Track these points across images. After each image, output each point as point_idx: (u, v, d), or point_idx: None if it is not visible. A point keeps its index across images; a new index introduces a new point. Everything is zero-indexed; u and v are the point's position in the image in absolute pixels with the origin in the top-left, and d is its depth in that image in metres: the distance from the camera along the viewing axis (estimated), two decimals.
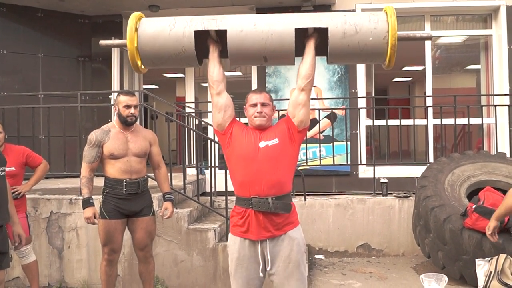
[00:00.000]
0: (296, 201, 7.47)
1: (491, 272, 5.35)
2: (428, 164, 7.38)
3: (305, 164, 8.08)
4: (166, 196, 5.14)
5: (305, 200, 7.54)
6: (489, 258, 5.47)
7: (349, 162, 8.20)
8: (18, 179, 5.45)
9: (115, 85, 8.75)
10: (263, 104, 3.65)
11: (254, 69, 8.82)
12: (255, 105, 3.66)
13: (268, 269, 3.53)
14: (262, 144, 3.56)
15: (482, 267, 5.50)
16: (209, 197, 7.09)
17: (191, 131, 8.00)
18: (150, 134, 5.16)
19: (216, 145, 7.99)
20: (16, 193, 5.32)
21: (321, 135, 8.32)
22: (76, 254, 6.30)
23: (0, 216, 3.76)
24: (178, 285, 6.13)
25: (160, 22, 3.58)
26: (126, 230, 5.06)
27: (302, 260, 3.60)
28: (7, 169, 5.04)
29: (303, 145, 8.06)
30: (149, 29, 3.55)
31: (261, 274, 3.54)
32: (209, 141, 7.74)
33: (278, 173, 3.52)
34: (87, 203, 4.74)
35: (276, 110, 8.18)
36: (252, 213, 3.49)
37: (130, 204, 4.90)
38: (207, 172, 8.13)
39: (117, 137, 4.90)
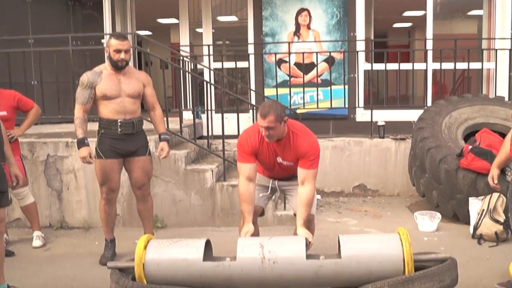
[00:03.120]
0: None
1: (483, 210, 5.46)
2: (425, 108, 7.38)
3: (302, 107, 8.06)
4: (162, 137, 5.16)
5: None
6: (482, 197, 5.58)
7: (346, 106, 8.19)
8: (11, 124, 5.42)
9: (107, 30, 8.61)
10: (268, 128, 3.97)
11: (250, 13, 8.67)
12: (262, 127, 4.00)
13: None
14: (279, 159, 4.25)
15: (475, 206, 5.62)
16: (205, 141, 7.12)
17: (187, 74, 7.94)
18: (143, 76, 5.13)
19: (213, 88, 7.98)
20: (9, 137, 5.25)
21: (319, 78, 8.27)
22: (75, 195, 6.37)
23: None
24: (177, 224, 6.23)
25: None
26: (124, 171, 5.11)
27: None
28: None
29: (300, 89, 8.08)
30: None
31: (271, 187, 4.51)
32: (205, 84, 7.70)
33: (292, 171, 4.31)
34: (82, 143, 4.77)
35: (274, 53, 8.17)
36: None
37: (125, 144, 4.93)
38: (204, 116, 8.15)
39: (109, 78, 4.86)
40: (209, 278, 3.65)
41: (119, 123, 4.86)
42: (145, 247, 3.74)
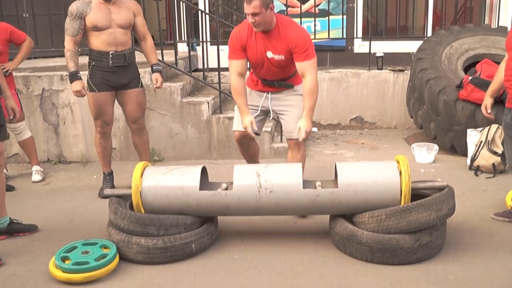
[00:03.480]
0: None
1: (481, 141, 5.46)
2: (426, 38, 7.27)
3: None
4: (154, 68, 5.08)
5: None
6: (481, 128, 5.56)
7: (344, 37, 8.06)
8: (4, 58, 5.34)
9: None
10: (254, 14, 3.97)
11: None
12: (248, 14, 4.00)
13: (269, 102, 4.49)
14: (269, 54, 4.19)
15: (473, 137, 5.61)
16: (201, 73, 7.04)
17: (181, 4, 7.74)
18: (133, 5, 4.98)
19: (208, 18, 7.83)
20: (4, 70, 5.20)
21: (317, 8, 8.11)
22: (71, 129, 6.35)
23: None
24: (174, 157, 6.25)
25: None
26: (117, 104, 5.08)
27: (301, 106, 4.29)
28: None
29: (297, 19, 7.89)
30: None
31: (261, 109, 4.50)
32: (200, 14, 7.54)
33: (283, 72, 4.31)
34: (74, 76, 4.70)
35: None
36: (260, 82, 4.45)
37: (117, 77, 4.86)
38: (199, 48, 8.02)
39: (99, 8, 4.73)
40: (206, 206, 3.70)
41: (111, 55, 4.77)
42: (142, 175, 3.77)
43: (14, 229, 4.18)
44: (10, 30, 5.41)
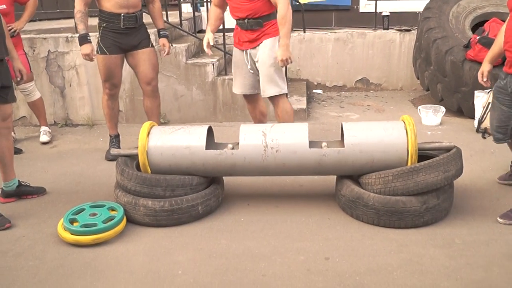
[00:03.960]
0: (295, 35, 7.38)
1: (489, 103, 5.39)
2: None
3: None
4: (161, 33, 5.05)
5: (304, 32, 7.43)
6: (488, 90, 5.49)
7: None
8: (10, 18, 5.29)
9: None
10: None
11: None
12: None
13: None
14: None
15: (481, 99, 5.55)
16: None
17: None
18: None
19: None
20: (12, 30, 5.20)
21: None
22: (77, 92, 6.33)
23: None
24: (179, 119, 6.24)
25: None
26: (125, 65, 5.04)
27: (274, 62, 4.43)
28: None
29: None
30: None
31: (251, 71, 4.65)
32: None
33: (252, 6, 4.39)
34: (84, 39, 4.66)
35: None
36: (239, 29, 4.60)
37: (128, 39, 4.82)
38: (203, 9, 7.93)
39: None
40: (212, 166, 3.71)
41: (122, 17, 4.73)
42: (148, 135, 3.78)
43: (23, 192, 4.22)
44: None
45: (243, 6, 4.41)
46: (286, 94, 4.74)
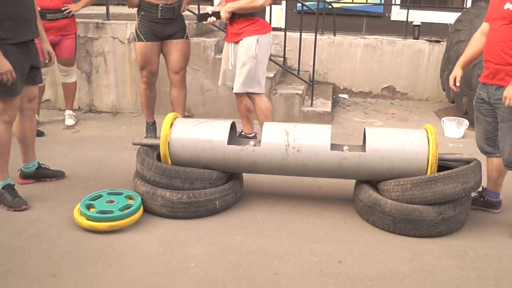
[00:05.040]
0: (325, 38, 7.38)
1: None
2: (464, 9, 7.10)
3: (337, 1, 7.81)
4: None
5: (334, 35, 7.42)
6: None
7: (382, 2, 7.91)
8: (70, 1, 5.50)
9: None
10: None
11: None
12: None
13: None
14: None
15: None
16: None
17: None
18: None
19: None
20: (67, 11, 5.41)
21: None
22: (104, 79, 6.39)
23: (30, 31, 3.75)
24: (204, 114, 6.25)
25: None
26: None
27: (248, 61, 4.60)
28: None
29: None
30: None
31: (230, 67, 4.79)
32: None
33: None
34: None
35: None
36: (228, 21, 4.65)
37: (164, 28, 4.94)
38: None
39: None
40: (233, 161, 3.72)
41: (160, 8, 4.85)
42: (171, 126, 3.80)
43: (42, 174, 4.26)
44: None
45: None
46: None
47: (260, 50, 4.60)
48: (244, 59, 4.59)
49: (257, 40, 4.56)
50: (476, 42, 3.75)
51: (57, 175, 4.35)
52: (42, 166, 4.29)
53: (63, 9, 5.39)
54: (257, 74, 4.65)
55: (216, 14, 4.59)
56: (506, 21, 3.39)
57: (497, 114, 3.56)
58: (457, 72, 3.88)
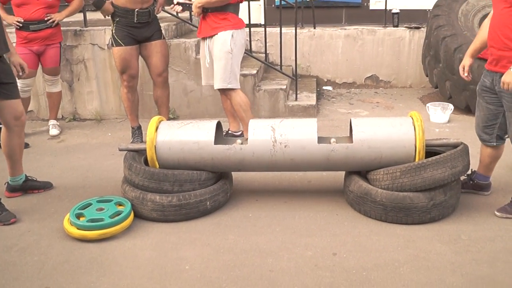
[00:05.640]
0: (305, 31, 7.37)
1: None
2: None
3: None
4: None
5: (314, 28, 7.42)
6: None
7: None
8: (53, 10, 5.54)
9: None
10: None
11: None
12: None
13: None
14: None
15: None
16: None
17: None
18: None
19: None
20: (51, 21, 5.43)
21: None
22: (86, 86, 6.34)
23: None
24: (189, 115, 6.23)
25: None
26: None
27: (223, 56, 4.58)
28: None
29: None
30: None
31: (207, 65, 4.78)
32: None
33: None
34: (101, 1, 4.82)
35: None
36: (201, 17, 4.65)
37: (141, 31, 4.94)
38: None
39: None
40: (221, 161, 3.71)
41: (136, 13, 4.85)
42: (156, 129, 3.78)
43: (29, 186, 4.22)
44: None
45: None
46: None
47: (235, 45, 4.58)
48: (220, 54, 4.57)
49: (232, 35, 4.55)
50: (485, 29, 3.62)
51: (45, 186, 4.30)
52: (30, 178, 4.24)
53: (46, 19, 5.41)
54: (233, 69, 4.64)
55: (185, 6, 4.58)
56: (507, 3, 3.29)
57: (502, 103, 3.51)
58: (466, 61, 3.82)
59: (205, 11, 4.54)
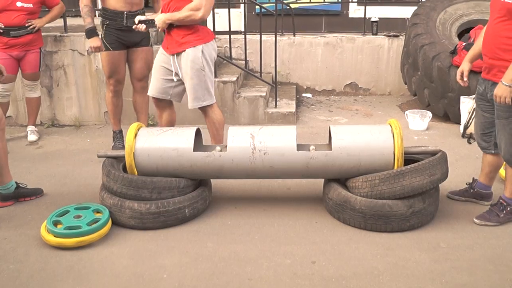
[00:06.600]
0: (285, 39, 7.39)
1: (474, 108, 5.43)
2: (420, 3, 7.20)
3: (294, 2, 7.85)
4: None
5: (294, 36, 7.44)
6: (474, 96, 5.51)
7: (339, 0, 7.97)
8: (34, 16, 5.54)
9: None
10: None
11: None
12: None
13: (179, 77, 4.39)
14: None
15: (466, 104, 5.58)
16: None
17: None
18: None
19: None
20: (31, 27, 5.44)
21: None
22: (65, 92, 6.30)
23: None
24: None
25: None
26: None
27: (195, 74, 4.27)
28: (25, 5, 5.39)
29: None
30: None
31: (175, 79, 4.39)
32: None
33: (178, 6, 4.16)
34: (93, 32, 4.79)
35: None
36: (166, 31, 4.35)
37: (130, 35, 4.92)
38: None
39: None
40: (200, 168, 3.69)
41: (125, 15, 4.84)
42: (135, 136, 3.75)
43: (21, 194, 4.14)
44: None
45: (170, 4, 4.25)
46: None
47: (206, 61, 4.29)
48: (191, 72, 4.26)
49: (202, 51, 4.25)
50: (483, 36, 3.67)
51: (36, 193, 4.24)
52: (21, 185, 4.17)
53: (27, 25, 5.41)
54: (207, 86, 4.36)
55: (148, 23, 4.29)
56: (501, 13, 3.34)
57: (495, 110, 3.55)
58: (464, 66, 3.84)
59: (170, 25, 4.26)
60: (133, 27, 4.35)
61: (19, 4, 5.39)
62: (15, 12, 5.36)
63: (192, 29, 4.24)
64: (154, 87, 4.50)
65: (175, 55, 4.31)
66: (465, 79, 3.85)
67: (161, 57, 4.44)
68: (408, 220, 3.47)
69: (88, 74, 6.20)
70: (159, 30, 4.24)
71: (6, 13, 5.34)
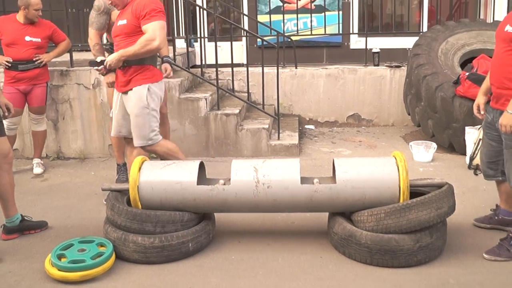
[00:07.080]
0: (287, 71, 7.44)
1: (480, 139, 5.40)
2: (421, 33, 7.25)
3: (296, 34, 7.92)
4: (164, 59, 5.16)
5: (296, 68, 7.49)
6: (479, 126, 5.48)
7: (340, 32, 8.04)
8: (41, 51, 5.68)
9: None
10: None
11: None
12: None
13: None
14: (119, 22, 4.26)
15: (472, 135, 5.55)
16: (199, 69, 6.99)
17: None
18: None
19: (205, 14, 7.81)
20: (39, 61, 5.57)
21: (313, 4, 8.09)
22: (70, 125, 6.36)
23: None
24: None
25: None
26: None
27: (140, 112, 4.24)
28: (34, 39, 5.55)
29: (293, 15, 7.91)
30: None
31: (111, 115, 4.58)
32: (198, 10, 7.51)
33: (126, 45, 4.17)
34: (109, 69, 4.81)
35: None
36: (117, 70, 4.33)
37: None
38: (197, 45, 8.01)
39: None
40: (204, 201, 3.68)
41: None
42: (139, 169, 3.75)
43: (26, 227, 4.14)
44: (53, 29, 5.81)
45: (120, 43, 4.26)
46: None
47: (152, 99, 4.25)
48: (136, 110, 4.24)
49: (148, 89, 4.23)
50: None
51: (41, 226, 4.24)
52: (26, 218, 4.17)
53: (34, 59, 5.55)
54: (151, 125, 4.29)
55: (106, 66, 4.23)
56: (506, 43, 3.41)
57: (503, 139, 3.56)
58: (479, 100, 3.87)
59: (124, 64, 4.19)
60: (95, 68, 4.39)
61: (27, 38, 5.54)
62: (24, 46, 5.51)
63: (141, 69, 4.24)
64: (114, 126, 4.53)
65: (121, 94, 4.36)
66: (482, 112, 3.85)
67: (115, 95, 4.49)
68: (415, 255, 3.42)
69: (93, 107, 6.25)
70: (113, 66, 4.19)
71: (15, 47, 5.49)
